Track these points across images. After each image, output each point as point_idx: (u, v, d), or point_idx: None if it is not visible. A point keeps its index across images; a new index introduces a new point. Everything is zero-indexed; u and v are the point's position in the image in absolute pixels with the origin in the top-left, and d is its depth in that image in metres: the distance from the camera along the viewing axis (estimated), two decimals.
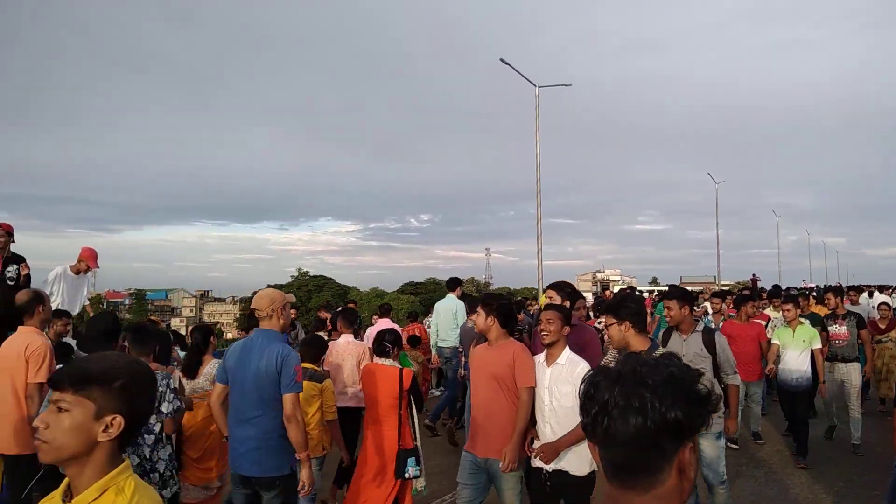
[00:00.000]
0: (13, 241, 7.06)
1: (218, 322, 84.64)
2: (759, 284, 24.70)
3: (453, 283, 9.49)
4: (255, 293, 4.81)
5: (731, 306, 8.91)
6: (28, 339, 4.38)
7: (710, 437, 4.60)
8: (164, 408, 4.01)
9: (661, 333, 5.07)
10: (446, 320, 9.02)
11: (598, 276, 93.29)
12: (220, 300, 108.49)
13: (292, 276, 79.48)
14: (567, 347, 3.94)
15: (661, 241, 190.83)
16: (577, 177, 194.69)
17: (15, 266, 6.95)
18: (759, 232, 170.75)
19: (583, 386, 1.21)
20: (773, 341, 7.16)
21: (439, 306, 9.27)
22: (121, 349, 4.19)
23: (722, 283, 43.91)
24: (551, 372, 3.88)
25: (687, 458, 1.16)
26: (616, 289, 25.72)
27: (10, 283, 6.89)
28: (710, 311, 9.84)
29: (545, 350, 3.95)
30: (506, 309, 4.13)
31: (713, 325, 8.23)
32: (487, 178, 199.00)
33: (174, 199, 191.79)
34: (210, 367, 4.95)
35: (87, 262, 7.35)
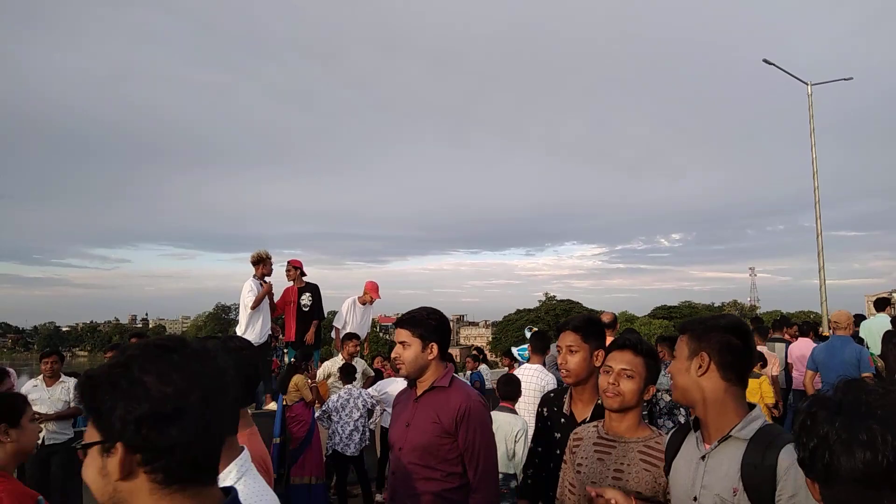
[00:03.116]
0: (304, 274, 8.41)
1: (472, 345, 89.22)
2: None
3: (881, 304, 8.31)
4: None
5: None
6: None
7: None
8: None
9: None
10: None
11: None
12: (474, 324, 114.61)
13: (539, 301, 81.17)
14: None
15: None
16: (864, 182, 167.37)
17: (308, 294, 8.27)
18: None
19: (799, 417, 1.16)
20: None
21: (871, 325, 8.16)
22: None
23: None
24: None
25: None
26: None
27: (304, 309, 8.21)
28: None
29: None
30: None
31: None
32: (749, 189, 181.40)
33: (433, 231, 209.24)
34: None
35: (370, 294, 8.55)
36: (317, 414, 6.04)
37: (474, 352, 13.13)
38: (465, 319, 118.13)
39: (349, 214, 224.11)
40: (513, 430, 4.62)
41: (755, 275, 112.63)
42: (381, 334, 63.09)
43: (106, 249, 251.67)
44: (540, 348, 5.38)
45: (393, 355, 2.73)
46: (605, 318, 6.69)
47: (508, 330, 77.02)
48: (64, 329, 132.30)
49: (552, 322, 66.41)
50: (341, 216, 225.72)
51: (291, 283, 8.28)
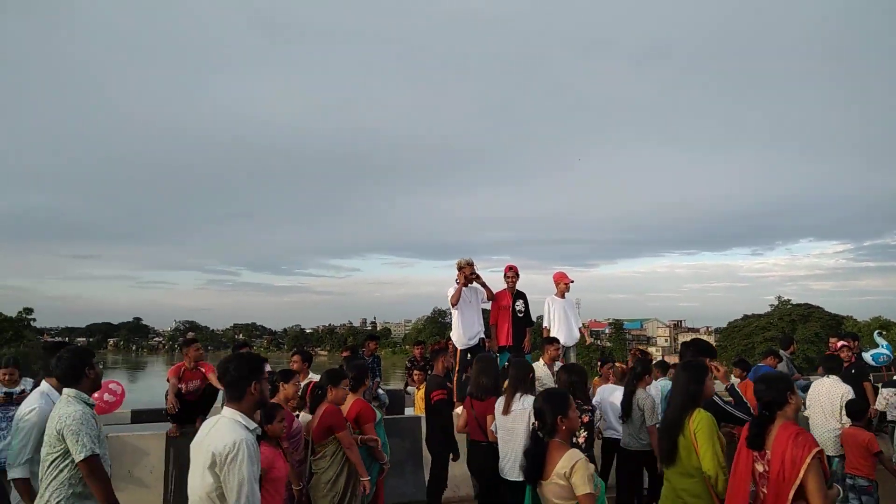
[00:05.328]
0: (517, 279, 8.62)
1: None
2: None
3: None
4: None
5: None
6: None
7: None
8: None
9: None
10: None
11: None
12: (695, 330, 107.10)
13: (771, 305, 73.35)
14: None
15: None
16: None
17: (522, 301, 8.44)
18: None
19: None
20: None
21: None
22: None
23: None
24: None
25: None
26: None
27: (519, 315, 8.39)
28: None
29: None
30: None
31: None
32: None
33: (643, 232, 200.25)
34: None
35: (561, 281, 8.62)
36: None
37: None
38: (683, 325, 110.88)
39: (555, 219, 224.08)
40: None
41: None
42: (593, 340, 62.00)
43: (340, 260, 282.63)
44: None
45: None
46: None
47: (735, 337, 70.56)
48: (308, 331, 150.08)
49: (787, 329, 59.50)
50: (547, 221, 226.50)
51: (506, 288, 8.41)
